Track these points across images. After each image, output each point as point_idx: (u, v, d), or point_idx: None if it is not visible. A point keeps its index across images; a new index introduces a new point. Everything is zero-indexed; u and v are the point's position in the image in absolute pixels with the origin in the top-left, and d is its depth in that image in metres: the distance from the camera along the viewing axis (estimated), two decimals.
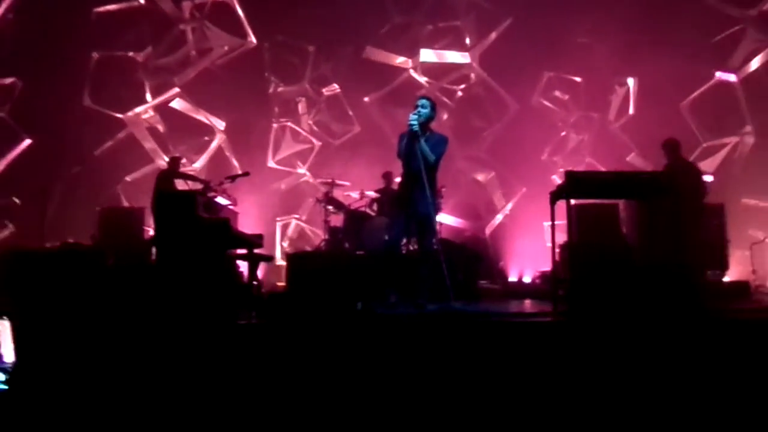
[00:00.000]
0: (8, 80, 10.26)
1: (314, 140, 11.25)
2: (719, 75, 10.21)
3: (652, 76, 10.10)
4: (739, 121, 10.16)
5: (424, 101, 6.00)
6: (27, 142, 10.35)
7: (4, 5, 10.21)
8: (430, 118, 5.98)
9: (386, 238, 8.18)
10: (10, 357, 4.16)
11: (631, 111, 10.67)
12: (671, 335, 4.49)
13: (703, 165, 9.51)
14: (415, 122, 5.76)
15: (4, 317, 4.13)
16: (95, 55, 10.37)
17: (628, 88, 10.68)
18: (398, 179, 9.07)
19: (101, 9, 10.21)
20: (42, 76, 9.95)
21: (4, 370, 4.12)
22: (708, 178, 8.77)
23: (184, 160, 9.18)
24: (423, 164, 5.76)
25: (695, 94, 10.27)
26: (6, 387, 4.11)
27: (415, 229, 6.10)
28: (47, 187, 9.85)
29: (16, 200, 10.12)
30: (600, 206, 8.05)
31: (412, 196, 5.85)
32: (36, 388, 4.01)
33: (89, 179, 10.18)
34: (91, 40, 10.25)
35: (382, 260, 6.30)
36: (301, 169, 11.19)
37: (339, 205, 9.27)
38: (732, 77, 10.17)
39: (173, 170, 8.82)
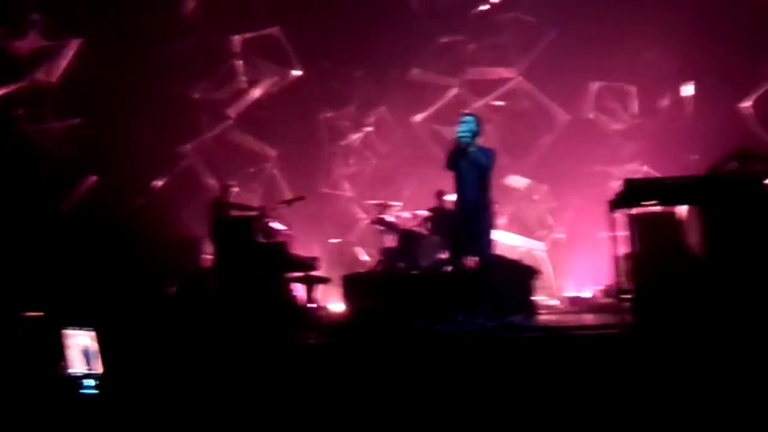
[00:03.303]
0: (75, 120, 10.81)
1: (365, 163, 11.37)
2: None
3: (708, 77, 9.80)
4: None
5: (470, 117, 6.09)
6: (92, 178, 10.83)
7: (70, 52, 10.80)
8: (477, 133, 6.05)
9: (442, 256, 8.20)
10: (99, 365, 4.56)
11: (688, 116, 10.35)
12: (743, 343, 4.28)
13: None
14: (468, 134, 5.85)
15: (92, 329, 4.49)
16: (152, 92, 10.80)
17: (684, 93, 10.37)
18: (449, 197, 9.10)
19: (159, 49, 10.66)
20: (105, 115, 10.44)
21: (95, 376, 4.47)
22: None
23: (236, 189, 9.39)
24: (477, 178, 5.80)
25: (756, 93, 9.88)
26: (97, 391, 4.45)
27: (471, 244, 6.08)
28: (113, 221, 10.24)
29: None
30: (661, 214, 7.78)
31: (469, 212, 5.87)
32: (121, 392, 4.32)
33: (150, 211, 10.54)
34: (149, 79, 10.69)
35: (445, 279, 6.33)
36: (353, 192, 11.30)
37: (391, 226, 9.30)
38: None
39: (226, 198, 9.01)
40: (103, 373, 4.55)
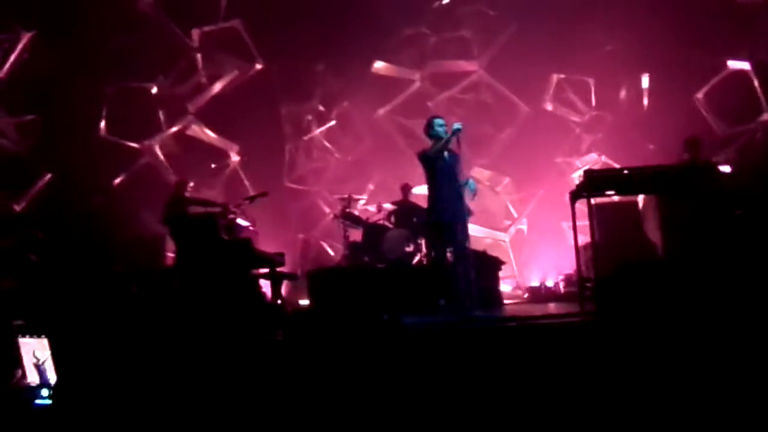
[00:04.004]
0: (28, 117, 10.46)
1: (328, 157, 11.31)
2: (731, 64, 10.11)
3: (664, 70, 10.05)
4: (756, 108, 10.02)
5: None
6: (47, 176, 10.52)
7: (20, 45, 10.42)
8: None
9: (408, 249, 8.27)
10: (53, 374, 4.39)
11: (645, 107, 10.60)
12: (702, 330, 4.42)
13: (720, 156, 9.37)
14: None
15: (44, 336, 4.32)
16: (109, 87, 10.53)
17: (640, 84, 10.61)
18: (418, 189, 9.17)
19: (115, 42, 10.37)
20: (59, 111, 10.13)
21: (48, 386, 4.32)
22: (725, 169, 8.64)
23: (192, 185, 9.20)
24: (456, 173, 6.16)
25: (708, 85, 10.17)
26: (50, 401, 4.30)
27: (450, 236, 6.21)
28: (69, 220, 9.97)
29: (39, 234, 10.26)
30: (619, 204, 7.98)
31: (460, 204, 6.09)
32: (76, 403, 4.18)
33: (109, 210, 10.30)
34: (104, 73, 10.41)
35: (412, 271, 6.46)
36: (317, 187, 11.23)
37: (356, 220, 9.29)
38: (746, 65, 10.05)
39: (181, 195, 8.81)
40: (57, 383, 4.38)
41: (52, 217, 9.89)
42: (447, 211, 6.05)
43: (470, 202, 6.35)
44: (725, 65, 10.13)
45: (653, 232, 7.60)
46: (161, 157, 10.80)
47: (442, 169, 6.08)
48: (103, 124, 10.56)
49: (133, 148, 10.75)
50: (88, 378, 4.27)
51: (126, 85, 10.64)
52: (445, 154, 6.21)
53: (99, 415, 4.10)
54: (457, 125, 6.10)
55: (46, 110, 10.35)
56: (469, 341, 4.62)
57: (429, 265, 7.88)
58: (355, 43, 10.60)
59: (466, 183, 6.28)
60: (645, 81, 10.56)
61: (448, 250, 6.29)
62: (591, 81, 10.76)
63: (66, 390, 4.22)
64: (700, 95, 10.20)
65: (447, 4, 11.04)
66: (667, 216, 7.18)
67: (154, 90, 10.86)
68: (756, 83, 9.97)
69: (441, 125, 6.30)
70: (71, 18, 10.10)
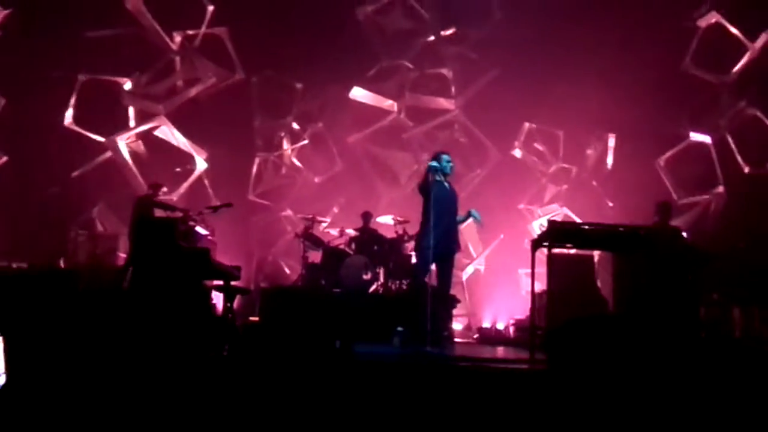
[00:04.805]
0: None
1: (296, 176, 11.26)
2: (693, 136, 10.57)
3: (630, 133, 10.43)
4: (712, 180, 10.45)
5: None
6: (3, 159, 10.17)
7: None
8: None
9: (366, 276, 8.25)
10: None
11: (609, 165, 10.94)
12: (644, 389, 4.51)
13: (676, 221, 9.70)
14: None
15: None
16: (82, 77, 10.30)
17: (607, 143, 10.97)
18: (383, 219, 9.18)
19: (92, 33, 10.19)
20: (25, 94, 9.86)
21: None
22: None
23: (164, 189, 9.06)
24: (454, 207, 6.33)
25: (670, 152, 10.60)
26: None
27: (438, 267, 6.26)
28: (21, 207, 9.62)
29: None
30: (576, 256, 8.15)
31: (455, 240, 6.27)
32: (24, 402, 3.97)
33: (65, 201, 10.00)
34: (79, 62, 10.21)
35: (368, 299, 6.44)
36: (281, 204, 11.14)
37: (317, 242, 9.24)
38: (707, 138, 10.52)
39: (153, 197, 8.66)
40: (6, 383, 4.15)
41: (3, 203, 9.54)
42: (440, 243, 6.08)
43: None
44: (688, 136, 10.59)
45: (606, 287, 7.79)
46: (125, 154, 10.56)
47: (441, 201, 6.11)
48: (70, 113, 10.31)
49: (98, 141, 10.50)
50: (32, 379, 4.07)
51: (99, 77, 10.44)
52: (446, 185, 6.32)
53: (40, 416, 3.90)
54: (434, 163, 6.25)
55: (12, 91, 10.07)
56: (418, 377, 4.60)
57: (407, 291, 7.86)
58: (338, 66, 10.67)
59: (468, 215, 6.42)
60: (611, 141, 10.93)
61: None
62: (561, 134, 11.05)
63: (12, 391, 4.01)
64: (661, 161, 10.60)
65: (432, 41, 11.24)
66: (620, 273, 7.38)
67: (128, 86, 10.68)
68: (714, 156, 10.43)
69: (447, 160, 6.38)
70: (53, 1, 9.91)
